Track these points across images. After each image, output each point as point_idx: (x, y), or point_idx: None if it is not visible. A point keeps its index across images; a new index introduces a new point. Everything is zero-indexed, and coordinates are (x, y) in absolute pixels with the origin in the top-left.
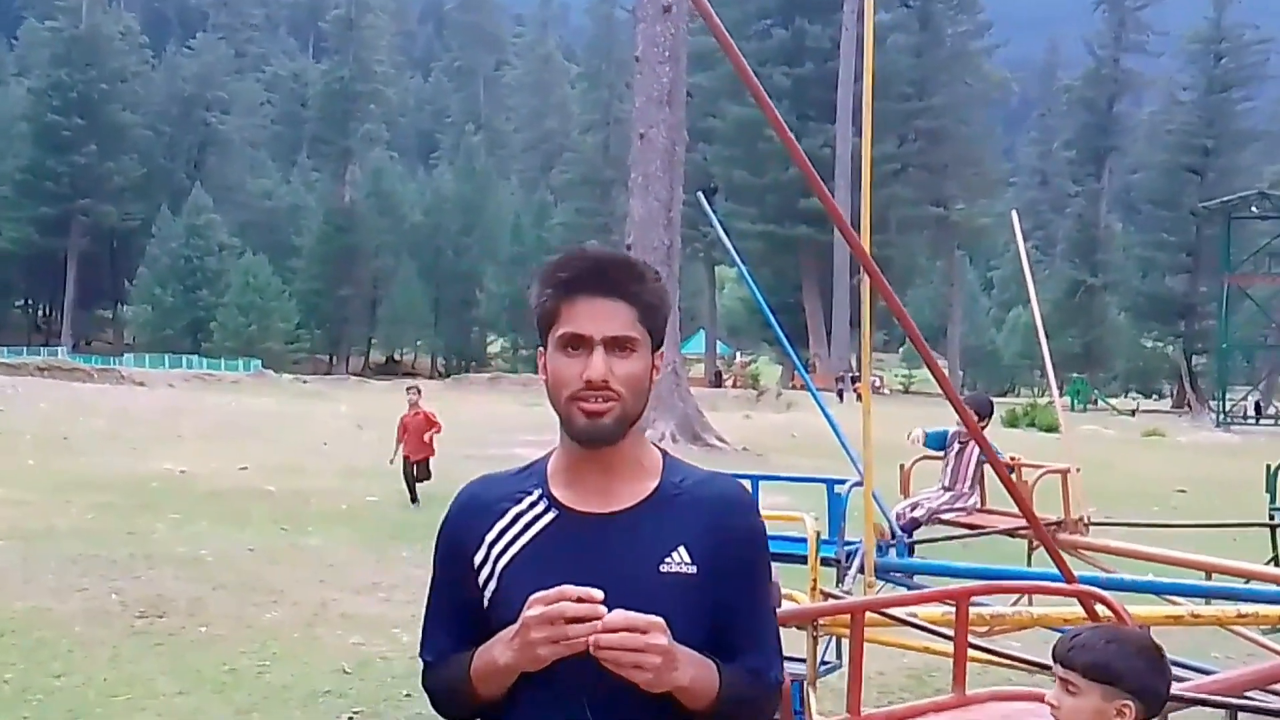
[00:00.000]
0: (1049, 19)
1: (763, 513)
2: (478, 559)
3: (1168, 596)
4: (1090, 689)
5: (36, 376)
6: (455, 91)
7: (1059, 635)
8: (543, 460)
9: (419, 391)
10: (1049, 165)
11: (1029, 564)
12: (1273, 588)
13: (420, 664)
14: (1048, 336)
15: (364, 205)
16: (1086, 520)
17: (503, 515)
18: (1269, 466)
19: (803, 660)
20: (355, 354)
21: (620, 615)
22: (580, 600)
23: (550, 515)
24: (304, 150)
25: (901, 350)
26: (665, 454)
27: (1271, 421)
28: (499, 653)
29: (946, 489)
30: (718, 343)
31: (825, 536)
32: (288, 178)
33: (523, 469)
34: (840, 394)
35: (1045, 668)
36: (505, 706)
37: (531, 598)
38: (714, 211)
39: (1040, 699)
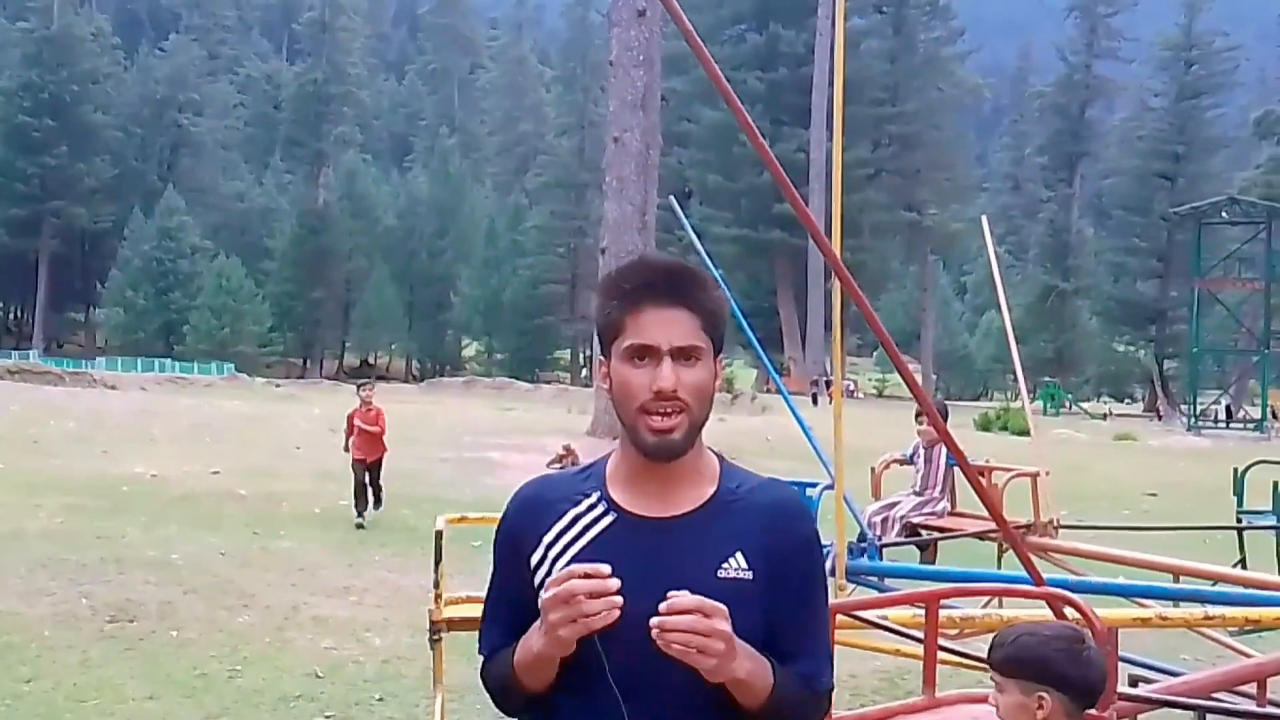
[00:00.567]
0: (1021, 25)
1: None
2: (534, 559)
3: (1136, 599)
4: (1009, 683)
5: (7, 380)
6: (429, 94)
7: None
8: (601, 462)
9: (372, 387)
10: (1021, 170)
11: (999, 566)
12: (1240, 590)
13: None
14: (1020, 341)
15: (337, 208)
16: (1056, 523)
17: (561, 516)
18: (1236, 470)
19: None
20: (329, 357)
21: (688, 598)
22: (586, 576)
23: (609, 518)
24: (277, 152)
25: (875, 354)
26: (721, 459)
27: (1241, 426)
28: (534, 641)
29: (917, 493)
30: None
31: None
32: (261, 180)
33: (581, 470)
34: (814, 398)
35: None
36: (547, 710)
37: (547, 583)
38: (688, 216)
39: None
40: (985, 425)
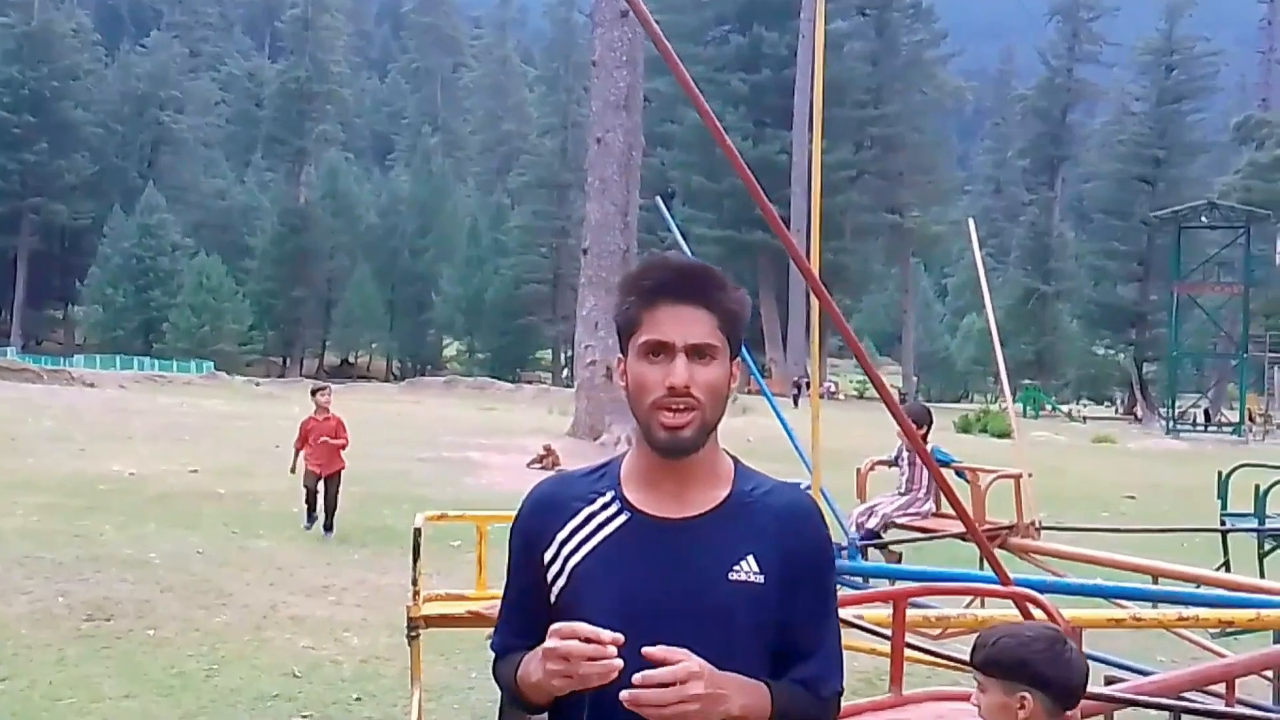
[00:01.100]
0: (1003, 29)
1: None
2: (548, 556)
3: (1115, 599)
4: (991, 684)
5: None
6: (412, 93)
7: None
8: (616, 461)
9: (329, 392)
10: (1003, 173)
11: (981, 568)
12: (1217, 592)
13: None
14: (1001, 344)
15: (319, 206)
16: (1038, 525)
17: (575, 515)
18: (1221, 473)
19: None
20: (309, 356)
21: (660, 672)
22: (589, 640)
23: (623, 518)
24: (259, 150)
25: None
26: (737, 461)
27: (1218, 429)
28: (534, 669)
29: (902, 494)
30: None
31: None
32: (242, 178)
33: (596, 469)
34: (795, 399)
35: None
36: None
37: (552, 628)
38: (671, 216)
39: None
40: (965, 427)
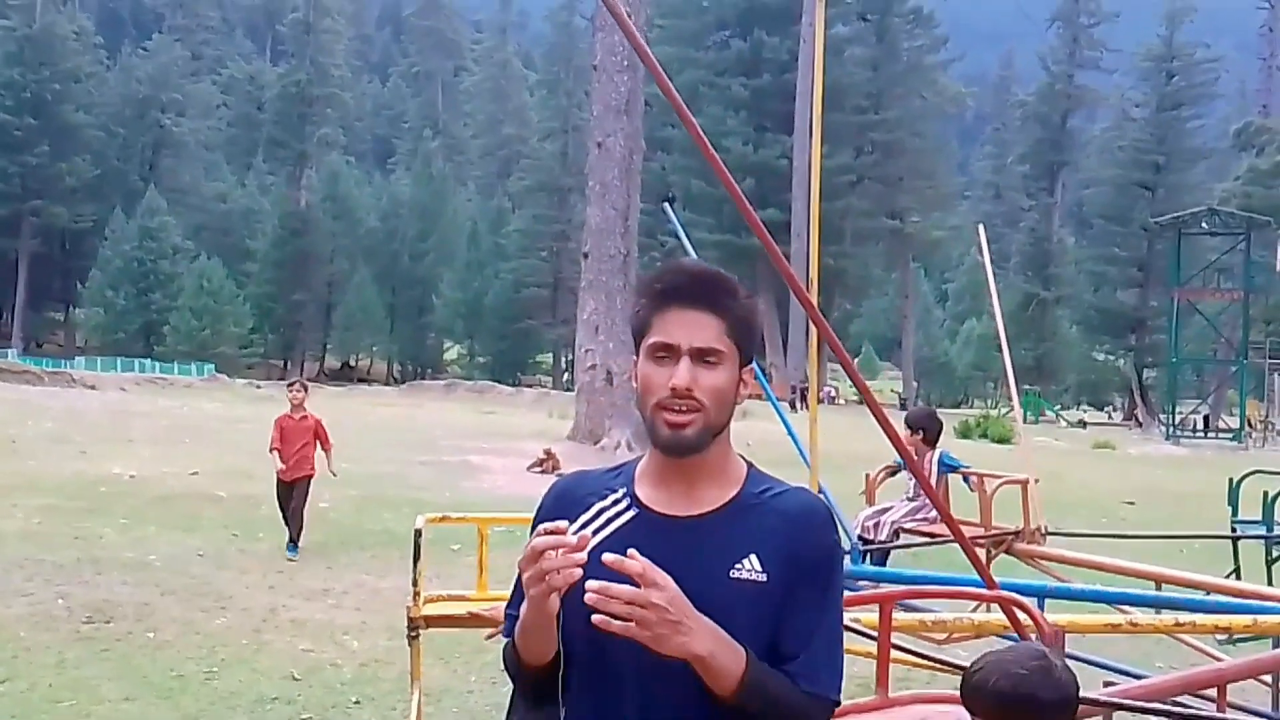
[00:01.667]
0: (1004, 34)
1: None
2: None
3: (1116, 605)
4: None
5: None
6: (413, 96)
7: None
8: (634, 462)
9: (304, 388)
10: (1003, 179)
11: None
12: (1223, 598)
13: None
14: (1002, 350)
15: (320, 209)
16: (1044, 530)
17: (588, 509)
18: (1231, 480)
19: None
20: (310, 359)
21: (630, 563)
22: (549, 533)
23: (631, 513)
24: (259, 153)
25: (857, 361)
26: (750, 465)
27: (1217, 435)
28: (524, 609)
29: (910, 500)
30: None
31: None
32: (243, 181)
33: (615, 468)
34: (794, 404)
35: None
36: (552, 695)
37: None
38: (671, 222)
39: (959, 701)
40: (965, 432)
